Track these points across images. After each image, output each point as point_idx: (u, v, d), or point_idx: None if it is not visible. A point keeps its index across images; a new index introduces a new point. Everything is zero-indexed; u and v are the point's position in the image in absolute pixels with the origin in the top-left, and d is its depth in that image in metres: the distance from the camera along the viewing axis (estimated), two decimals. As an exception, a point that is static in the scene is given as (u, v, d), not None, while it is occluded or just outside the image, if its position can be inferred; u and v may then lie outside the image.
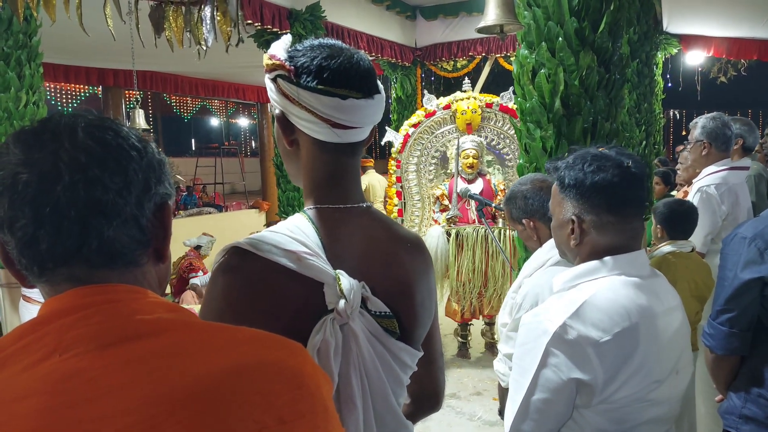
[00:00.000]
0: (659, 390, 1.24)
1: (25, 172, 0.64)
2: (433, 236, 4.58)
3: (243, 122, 23.33)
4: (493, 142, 4.95)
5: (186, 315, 0.70)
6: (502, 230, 4.55)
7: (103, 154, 0.67)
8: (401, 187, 5.06)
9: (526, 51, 2.59)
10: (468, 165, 4.72)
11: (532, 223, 1.94)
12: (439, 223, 4.78)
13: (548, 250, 1.84)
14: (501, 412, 2.17)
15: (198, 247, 6.18)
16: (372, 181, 7.79)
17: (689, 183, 4.18)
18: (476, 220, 4.55)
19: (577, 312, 1.20)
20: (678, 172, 4.64)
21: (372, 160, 8.25)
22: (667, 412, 1.29)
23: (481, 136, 4.89)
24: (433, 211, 4.99)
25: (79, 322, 0.64)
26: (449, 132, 4.99)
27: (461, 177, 4.77)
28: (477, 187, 4.71)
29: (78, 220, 0.65)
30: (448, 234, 4.62)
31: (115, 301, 0.67)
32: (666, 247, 2.57)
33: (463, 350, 4.92)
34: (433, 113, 4.93)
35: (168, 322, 0.67)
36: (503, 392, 2.09)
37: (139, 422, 0.59)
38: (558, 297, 1.31)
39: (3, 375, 0.61)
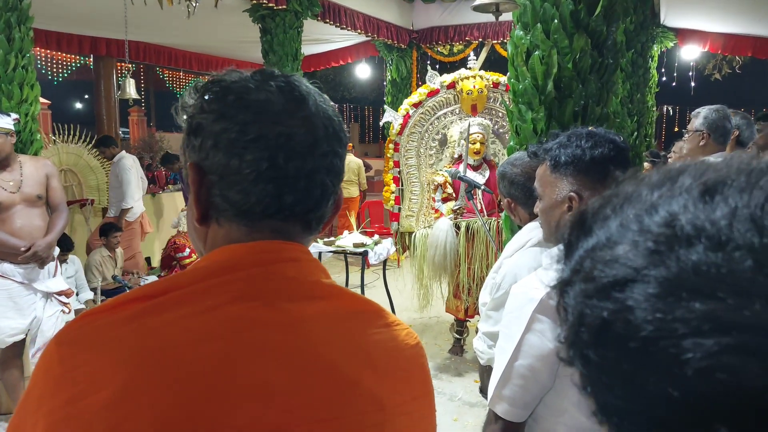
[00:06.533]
0: None
1: (299, 129, 0.66)
2: (441, 229, 4.22)
3: (236, 100, 23.08)
4: (497, 126, 4.60)
5: (340, 286, 0.74)
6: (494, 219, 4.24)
7: (337, 125, 0.71)
8: (399, 172, 4.65)
9: (521, 32, 2.58)
10: (474, 150, 4.33)
11: (512, 204, 2.00)
12: (442, 214, 4.41)
13: (528, 231, 1.86)
14: (482, 391, 2.19)
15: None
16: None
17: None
18: (483, 210, 4.20)
19: None
20: (670, 162, 4.66)
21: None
22: None
23: (486, 119, 4.52)
24: (433, 200, 4.56)
25: (269, 275, 0.67)
26: (452, 113, 4.58)
27: (467, 165, 4.35)
28: (483, 175, 4.37)
29: (320, 185, 0.69)
30: (457, 227, 4.25)
31: (299, 260, 0.70)
32: None
33: (457, 347, 4.61)
34: (436, 92, 4.53)
35: (337, 289, 0.72)
36: (483, 370, 2.12)
37: (297, 379, 0.62)
38: (546, 270, 1.30)
39: (181, 312, 0.62)
